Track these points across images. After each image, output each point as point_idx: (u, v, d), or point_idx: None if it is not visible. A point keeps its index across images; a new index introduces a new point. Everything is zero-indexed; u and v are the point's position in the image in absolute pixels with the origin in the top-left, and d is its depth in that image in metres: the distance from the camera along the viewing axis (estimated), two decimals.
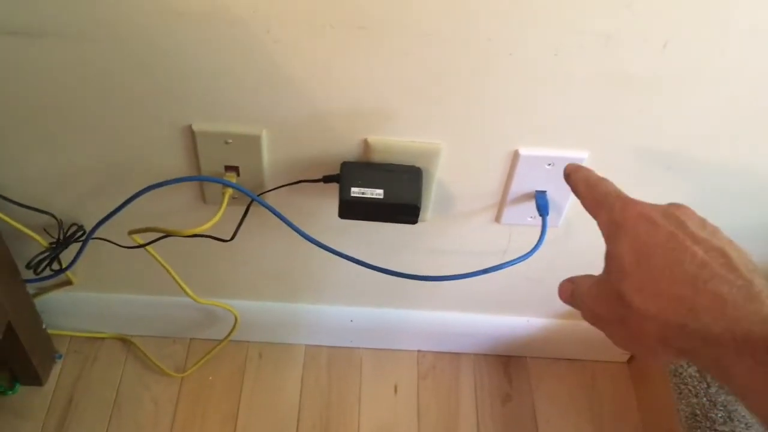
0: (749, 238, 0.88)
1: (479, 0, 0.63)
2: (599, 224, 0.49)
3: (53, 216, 0.87)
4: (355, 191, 0.76)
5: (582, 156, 0.78)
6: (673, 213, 0.45)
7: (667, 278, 0.41)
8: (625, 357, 1.13)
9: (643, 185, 0.82)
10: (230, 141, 0.77)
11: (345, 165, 0.77)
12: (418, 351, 1.12)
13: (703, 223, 0.44)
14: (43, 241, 0.88)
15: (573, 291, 0.50)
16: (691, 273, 0.40)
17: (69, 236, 0.88)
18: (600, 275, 0.46)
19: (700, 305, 0.39)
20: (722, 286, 0.39)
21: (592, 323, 0.48)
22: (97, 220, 0.80)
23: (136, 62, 0.69)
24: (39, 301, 0.99)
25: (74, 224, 0.89)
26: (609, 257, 0.45)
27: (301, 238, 0.79)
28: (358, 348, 1.11)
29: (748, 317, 0.37)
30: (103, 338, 1.09)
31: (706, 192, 0.83)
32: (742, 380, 0.37)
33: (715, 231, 0.44)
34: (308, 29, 0.66)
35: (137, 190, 0.76)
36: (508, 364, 1.12)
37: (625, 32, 0.66)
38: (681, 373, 0.88)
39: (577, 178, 0.55)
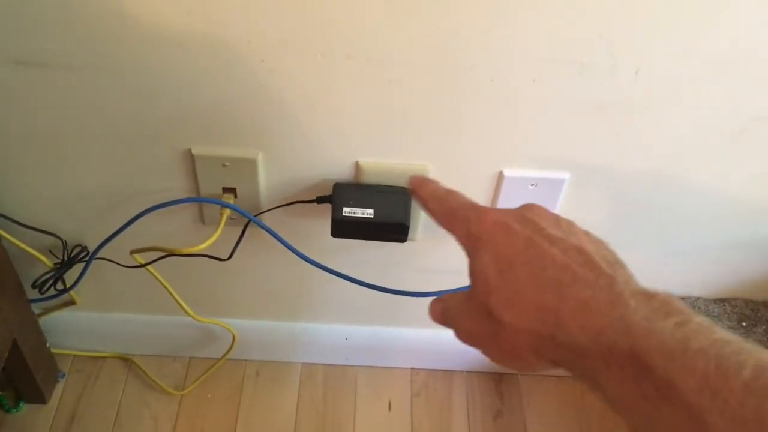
0: (723, 257, 0.92)
1: (461, 31, 0.67)
2: (457, 240, 0.47)
3: (58, 237, 0.90)
4: (347, 211, 0.79)
5: (563, 177, 0.82)
6: (527, 216, 0.43)
7: (532, 288, 0.39)
8: None
9: (622, 205, 0.86)
10: (228, 164, 0.80)
11: (337, 186, 0.81)
12: (412, 369, 1.15)
13: (556, 220, 0.43)
14: (48, 262, 0.91)
15: (443, 310, 0.47)
16: (554, 279, 0.39)
17: (73, 257, 0.92)
18: (468, 291, 0.44)
19: (565, 314, 0.37)
20: (585, 290, 0.37)
21: (467, 342, 0.45)
22: (100, 241, 0.83)
23: (138, 90, 0.74)
24: (43, 321, 1.02)
25: (78, 245, 0.92)
26: (473, 273, 0.43)
27: (297, 257, 0.83)
28: (353, 366, 1.14)
29: (612, 326, 0.35)
30: (104, 357, 1.12)
31: (683, 211, 0.87)
32: (613, 392, 0.36)
33: (569, 226, 0.43)
34: (300, 58, 0.70)
35: (139, 212, 0.80)
36: (500, 382, 1.15)
37: (598, 60, 0.70)
38: None
39: (424, 193, 0.51)
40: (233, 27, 0.67)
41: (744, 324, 0.97)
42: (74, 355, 1.11)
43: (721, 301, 0.99)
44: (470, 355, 1.12)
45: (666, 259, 0.94)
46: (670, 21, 0.66)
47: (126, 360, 1.12)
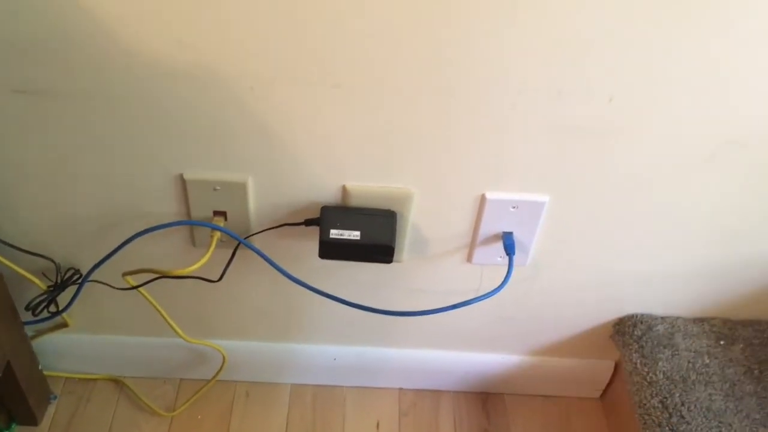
0: (701, 278, 0.95)
1: (442, 61, 0.71)
2: None
3: (51, 260, 0.92)
4: (334, 233, 0.82)
5: (543, 199, 0.85)
6: None
7: None
8: (599, 393, 1.17)
9: (601, 226, 0.89)
10: (218, 188, 0.83)
11: (325, 209, 0.84)
12: (400, 389, 1.16)
13: None
14: (41, 284, 0.93)
15: None
16: None
17: (66, 279, 0.93)
18: None
19: None
20: None
21: None
22: (93, 264, 0.85)
23: (133, 118, 0.76)
24: (36, 343, 1.04)
25: (71, 268, 0.94)
26: None
27: (286, 278, 0.85)
28: (342, 386, 1.16)
29: None
30: (96, 380, 1.13)
31: (660, 232, 0.90)
32: None
33: None
34: (288, 87, 0.73)
35: (131, 235, 0.82)
36: (486, 401, 1.17)
37: (573, 87, 0.73)
38: (645, 405, 0.93)
39: None
40: (223, 57, 0.70)
41: (722, 342, 0.99)
42: (66, 377, 1.12)
43: (699, 320, 1.02)
44: (457, 375, 1.14)
45: (644, 280, 0.97)
46: (640, 50, 0.70)
47: (117, 382, 1.13)
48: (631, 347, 0.99)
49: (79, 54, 0.70)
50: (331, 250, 0.83)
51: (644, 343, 0.98)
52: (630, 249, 0.92)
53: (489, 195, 0.84)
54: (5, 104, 0.75)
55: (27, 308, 0.92)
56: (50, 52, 0.70)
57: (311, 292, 0.85)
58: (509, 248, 0.88)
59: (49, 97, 0.75)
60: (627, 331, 1.01)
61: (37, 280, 0.93)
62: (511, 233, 0.88)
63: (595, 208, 0.86)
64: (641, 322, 1.00)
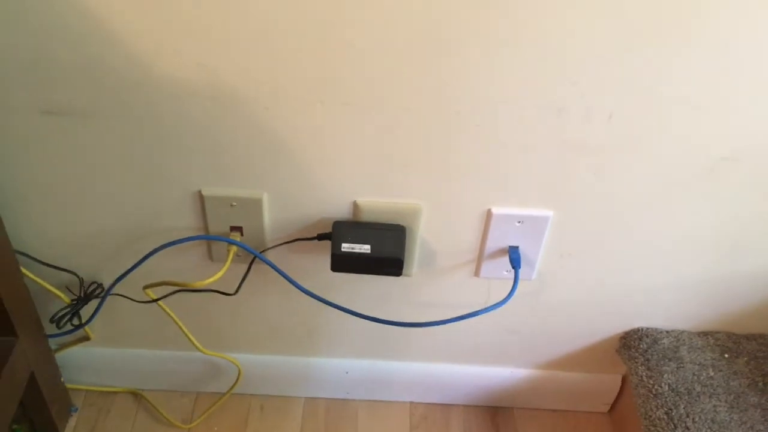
0: (704, 292, 0.97)
1: (449, 80, 0.74)
2: None
3: (75, 274, 0.96)
4: (346, 247, 0.85)
5: (547, 214, 0.88)
6: None
7: None
8: (607, 407, 1.19)
9: (604, 240, 0.91)
10: (235, 204, 0.87)
11: (336, 224, 0.87)
12: (411, 402, 1.19)
13: None
14: (65, 298, 0.97)
15: None
16: None
17: (89, 293, 0.97)
18: None
19: None
20: None
21: None
22: (115, 278, 0.89)
23: (153, 136, 0.81)
24: (59, 356, 1.07)
25: (94, 282, 0.98)
26: None
27: (300, 292, 0.88)
28: (354, 400, 1.18)
29: None
30: (116, 392, 1.16)
31: (662, 247, 0.92)
32: None
33: None
34: (301, 106, 0.77)
35: (151, 250, 0.86)
36: (496, 415, 1.18)
37: (574, 106, 0.76)
38: (650, 416, 0.95)
39: None
40: (240, 77, 0.75)
41: (726, 356, 1.01)
42: (87, 390, 1.16)
43: (704, 334, 1.04)
44: (468, 389, 1.16)
45: (649, 294, 0.99)
46: (638, 68, 0.73)
47: (136, 395, 1.16)
48: (636, 360, 1.01)
49: (102, 76, 0.75)
50: (342, 263, 0.86)
51: (650, 356, 1.00)
52: (634, 263, 0.95)
53: (495, 210, 0.88)
54: (33, 125, 0.80)
55: (51, 321, 0.95)
56: (76, 74, 0.75)
57: (324, 305, 0.89)
58: (515, 262, 0.90)
59: (74, 118, 0.79)
60: (633, 344, 1.03)
61: (61, 294, 0.96)
62: (517, 247, 0.91)
63: (599, 222, 0.89)
64: (647, 336, 1.03)
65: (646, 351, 1.01)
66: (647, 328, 1.04)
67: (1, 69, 0.75)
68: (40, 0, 0.69)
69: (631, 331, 1.05)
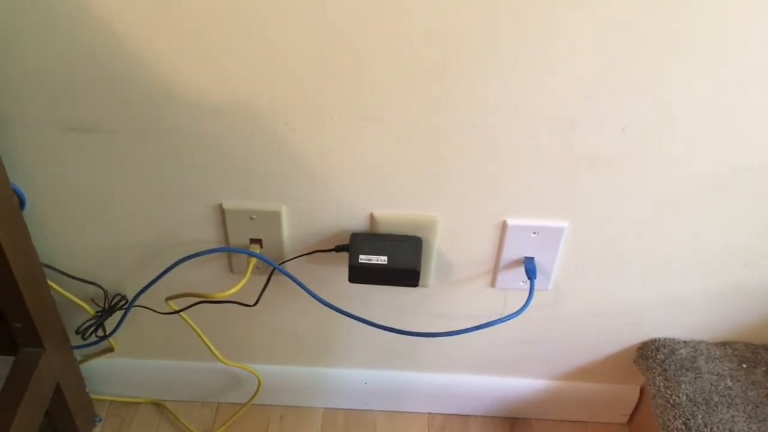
0: (722, 302, 0.97)
1: (463, 93, 0.76)
2: None
3: (99, 286, 0.99)
4: (363, 258, 0.86)
5: (562, 225, 0.89)
6: None
7: None
8: (625, 418, 1.19)
9: (619, 251, 0.92)
10: (255, 216, 0.88)
11: (354, 236, 0.89)
12: (429, 413, 1.19)
13: None
14: (90, 310, 0.99)
15: None
16: None
17: (113, 305, 0.99)
18: None
19: None
20: None
21: None
22: (138, 290, 0.91)
23: (175, 151, 0.83)
24: (83, 367, 1.10)
25: (118, 294, 1.00)
26: None
27: (318, 303, 0.90)
28: (372, 410, 1.19)
29: None
30: (138, 403, 1.18)
31: (678, 257, 0.93)
32: None
33: None
34: (319, 120, 0.79)
35: (174, 262, 0.88)
36: (514, 426, 1.19)
37: (587, 118, 0.77)
38: (668, 427, 0.95)
39: None
40: (260, 94, 0.77)
41: (744, 366, 1.01)
42: (110, 401, 1.18)
43: (722, 344, 1.04)
44: (486, 400, 1.17)
45: (666, 305, 0.99)
46: (651, 80, 0.74)
47: (158, 405, 1.18)
48: (654, 371, 1.01)
49: (126, 94, 0.77)
50: (360, 274, 0.88)
51: (667, 367, 1.00)
52: (650, 273, 0.95)
53: (510, 221, 0.89)
54: (59, 141, 0.82)
55: (76, 332, 0.98)
56: (100, 93, 0.77)
57: (342, 316, 0.90)
58: (531, 273, 0.91)
59: (98, 134, 0.82)
60: (650, 355, 1.03)
61: (86, 306, 0.99)
62: (532, 258, 0.92)
63: (613, 233, 0.90)
64: (664, 346, 1.03)
65: (664, 361, 1.01)
66: (664, 339, 1.04)
67: (29, 87, 0.77)
68: (68, 20, 0.72)
69: (648, 341, 1.05)
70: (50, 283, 0.94)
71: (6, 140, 0.82)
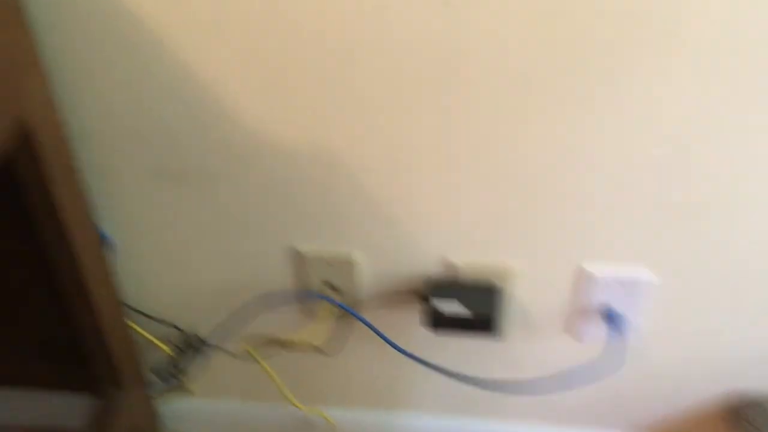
0: None
1: (543, 142, 0.75)
2: None
3: (176, 327, 1.00)
4: (439, 305, 0.85)
5: (647, 275, 0.86)
6: None
7: None
8: None
9: (708, 303, 0.88)
10: (330, 261, 0.89)
11: (429, 282, 0.88)
12: None
13: None
14: (168, 350, 1.01)
15: None
16: None
17: (189, 345, 1.00)
18: None
19: None
20: None
21: None
22: (214, 330, 0.92)
23: (254, 196, 0.84)
24: (159, 407, 1.11)
25: (194, 334, 1.01)
26: None
27: (393, 349, 0.89)
28: None
29: None
30: None
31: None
32: None
33: None
34: (395, 169, 0.79)
35: (249, 304, 0.89)
36: None
37: (674, 164, 0.75)
38: None
39: None
40: (337, 139, 0.77)
41: None
42: None
43: None
44: None
45: (757, 360, 0.94)
46: (738, 127, 0.72)
47: None
48: (743, 428, 0.96)
49: (212, 142, 0.79)
50: (438, 322, 0.86)
51: (759, 425, 0.95)
52: (740, 326, 0.91)
53: (592, 270, 0.86)
54: (144, 187, 0.85)
55: (153, 372, 0.99)
56: (186, 141, 0.79)
57: (416, 362, 0.89)
58: (612, 323, 0.88)
59: (182, 180, 0.84)
60: (739, 412, 0.98)
61: (164, 346, 1.00)
62: (614, 308, 0.89)
63: (702, 284, 0.86)
64: (755, 404, 0.98)
65: (754, 419, 0.96)
66: (754, 394, 0.99)
67: (117, 134, 0.80)
68: (156, 69, 0.74)
69: (736, 397, 1.00)
70: (132, 324, 0.96)
71: (99, 190, 0.85)
